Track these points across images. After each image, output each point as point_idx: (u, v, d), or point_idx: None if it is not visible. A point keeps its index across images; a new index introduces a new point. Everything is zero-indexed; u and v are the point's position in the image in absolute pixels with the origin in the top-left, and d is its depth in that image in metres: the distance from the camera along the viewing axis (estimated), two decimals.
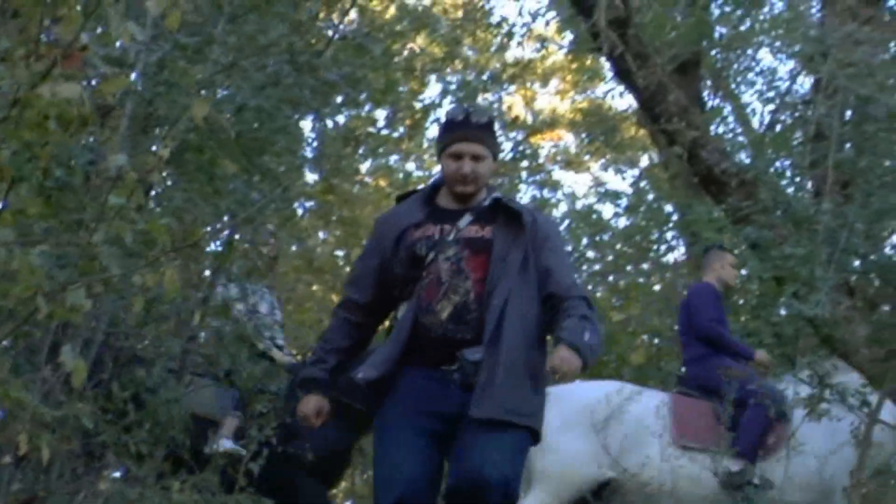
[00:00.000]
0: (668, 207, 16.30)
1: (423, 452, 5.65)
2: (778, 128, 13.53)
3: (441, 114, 17.68)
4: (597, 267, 16.28)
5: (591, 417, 9.92)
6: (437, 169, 7.76)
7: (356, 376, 5.75)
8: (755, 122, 16.37)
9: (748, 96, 17.49)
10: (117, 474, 11.61)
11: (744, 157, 12.75)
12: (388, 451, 5.69)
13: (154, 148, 9.95)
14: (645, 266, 16.47)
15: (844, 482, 9.52)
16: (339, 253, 20.13)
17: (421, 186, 6.60)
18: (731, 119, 17.26)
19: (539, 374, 5.73)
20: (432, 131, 19.79)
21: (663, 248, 16.59)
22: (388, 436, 5.73)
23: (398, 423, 5.71)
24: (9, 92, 4.84)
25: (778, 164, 12.45)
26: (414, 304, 5.79)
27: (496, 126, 6.25)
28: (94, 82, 8.49)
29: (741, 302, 12.68)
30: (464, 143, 5.90)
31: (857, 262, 10.62)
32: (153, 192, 10.18)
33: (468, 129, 5.92)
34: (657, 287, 16.37)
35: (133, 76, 9.56)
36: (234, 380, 11.05)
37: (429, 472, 5.65)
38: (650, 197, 17.11)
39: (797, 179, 11.68)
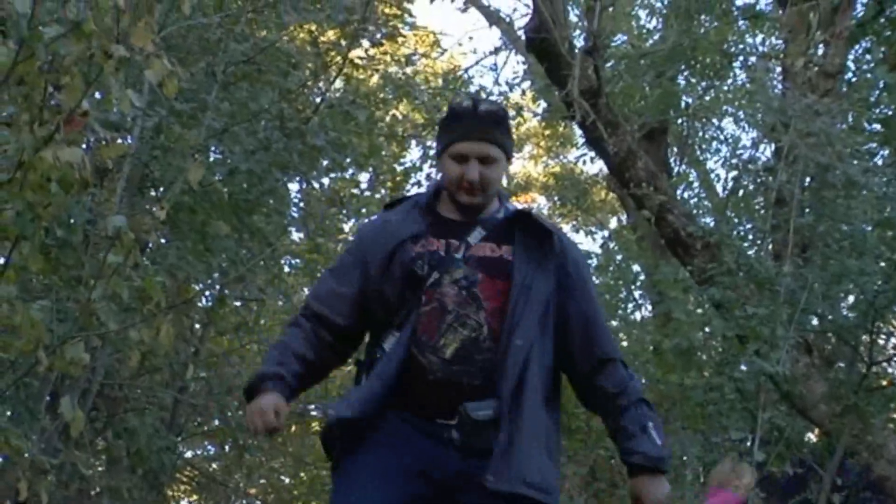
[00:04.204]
0: (636, 267, 16.32)
1: None
2: (741, 193, 13.53)
3: (422, 177, 17.71)
4: None
5: None
6: None
7: (325, 412, 4.13)
8: (719, 188, 16.42)
9: (713, 163, 17.60)
10: None
11: (708, 221, 12.78)
12: None
13: (151, 208, 9.95)
14: (614, 323, 16.41)
15: None
16: None
17: (416, 191, 5.58)
18: (696, 184, 17.34)
19: (553, 441, 4.30)
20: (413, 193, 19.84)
21: (631, 306, 16.60)
22: (357, 493, 4.14)
23: (374, 478, 4.15)
24: (14, 155, 4.83)
25: (741, 227, 12.48)
26: (408, 337, 4.21)
27: (509, 119, 4.58)
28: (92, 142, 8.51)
29: (704, 358, 12.67)
30: (469, 142, 4.33)
31: (815, 322, 10.65)
32: (148, 250, 10.19)
33: (476, 122, 4.35)
34: (625, 343, 16.33)
35: (130, 140, 9.58)
36: None
37: None
38: (619, 257, 17.14)
39: (759, 243, 11.69)
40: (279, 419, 4.20)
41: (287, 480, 22.36)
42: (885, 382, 10.50)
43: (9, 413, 8.08)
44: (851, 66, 14.47)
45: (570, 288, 4.38)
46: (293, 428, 19.13)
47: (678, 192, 15.48)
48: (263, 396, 4.20)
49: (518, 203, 4.70)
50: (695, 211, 13.50)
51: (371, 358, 4.35)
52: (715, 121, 17.04)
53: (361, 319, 4.44)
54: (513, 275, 4.27)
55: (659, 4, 17.44)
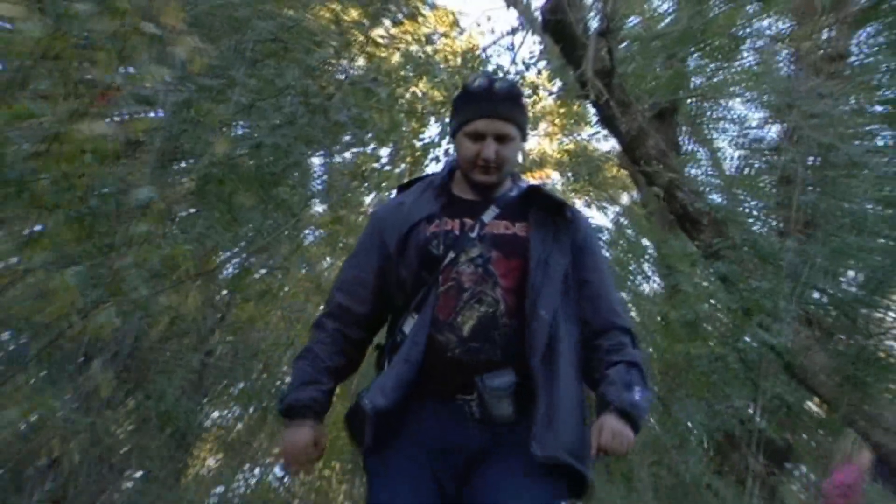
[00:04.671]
0: (646, 242, 16.33)
1: None
2: (747, 172, 13.54)
3: (440, 152, 17.70)
4: None
5: None
6: None
7: (361, 403, 4.11)
8: (727, 166, 16.41)
9: (721, 142, 17.56)
10: (139, 475, 11.68)
11: (716, 198, 12.79)
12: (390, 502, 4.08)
13: (180, 179, 10.01)
14: (624, 295, 16.42)
15: None
16: None
17: (433, 168, 5.24)
18: (704, 163, 17.32)
19: (585, 411, 4.20)
20: (432, 168, 19.80)
21: (640, 278, 16.62)
22: (390, 485, 4.11)
23: (404, 469, 4.11)
24: (49, 127, 4.88)
25: (747, 204, 12.50)
26: (428, 317, 4.15)
27: (524, 97, 4.52)
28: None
29: (710, 329, 12.70)
30: (485, 119, 4.25)
31: (816, 296, 10.68)
32: (176, 219, 10.25)
33: (492, 101, 4.28)
34: (634, 314, 16.35)
35: (160, 114, 9.62)
36: None
37: None
38: (629, 232, 17.16)
39: (764, 219, 11.71)
40: (317, 451, 4.26)
41: None
42: (882, 354, 10.53)
43: (42, 374, 8.16)
44: (856, 49, 14.47)
45: (580, 258, 4.34)
46: None
47: (687, 169, 15.47)
48: (300, 431, 4.24)
49: (530, 180, 4.74)
50: (703, 188, 13.49)
51: (392, 341, 4.29)
52: (723, 101, 17.02)
53: (382, 304, 4.41)
54: (529, 251, 4.22)
55: None
